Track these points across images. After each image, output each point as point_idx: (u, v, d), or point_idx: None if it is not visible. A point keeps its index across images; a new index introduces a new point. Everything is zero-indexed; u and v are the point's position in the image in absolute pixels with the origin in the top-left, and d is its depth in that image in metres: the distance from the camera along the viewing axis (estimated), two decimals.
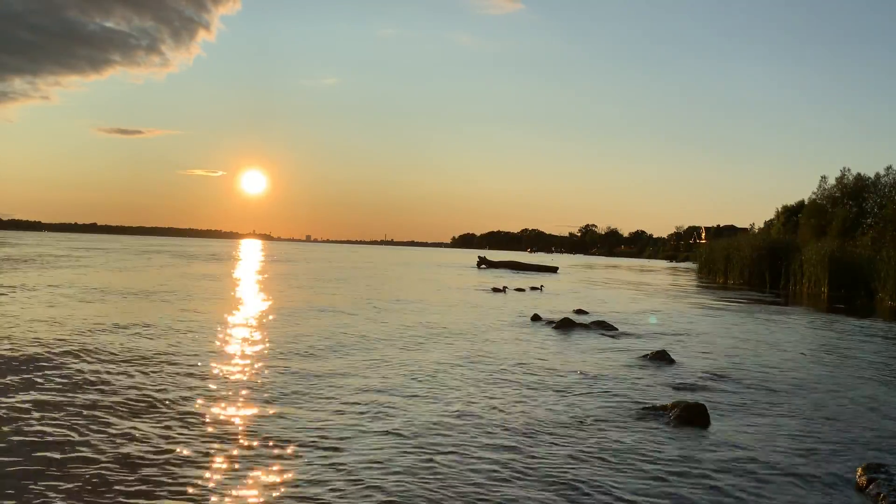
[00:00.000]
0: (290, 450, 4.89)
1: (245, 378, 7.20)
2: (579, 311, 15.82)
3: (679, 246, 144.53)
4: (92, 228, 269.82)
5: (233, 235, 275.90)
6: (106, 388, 6.47)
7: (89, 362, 7.60)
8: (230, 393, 6.50)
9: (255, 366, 7.86)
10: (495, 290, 22.45)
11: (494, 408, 6.31)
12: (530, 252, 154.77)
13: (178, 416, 5.61)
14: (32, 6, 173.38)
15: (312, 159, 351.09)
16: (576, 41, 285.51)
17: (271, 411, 5.88)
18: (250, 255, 59.02)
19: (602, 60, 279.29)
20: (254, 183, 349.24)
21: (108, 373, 7.13)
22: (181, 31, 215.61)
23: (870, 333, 13.89)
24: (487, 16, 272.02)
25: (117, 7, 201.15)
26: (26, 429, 5.09)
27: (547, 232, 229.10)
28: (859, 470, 4.81)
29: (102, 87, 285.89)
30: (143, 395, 6.27)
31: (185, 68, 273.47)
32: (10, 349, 8.08)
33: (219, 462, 4.61)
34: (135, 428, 5.24)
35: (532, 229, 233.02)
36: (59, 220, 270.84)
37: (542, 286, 24.96)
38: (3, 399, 5.87)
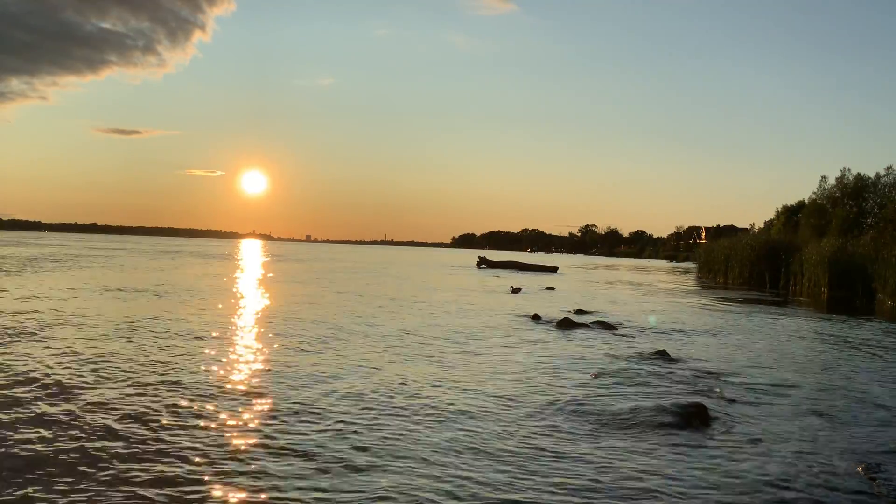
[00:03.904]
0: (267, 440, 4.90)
1: (252, 370, 7.23)
2: (579, 311, 15.82)
3: (679, 246, 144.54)
4: (92, 228, 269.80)
5: (233, 235, 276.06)
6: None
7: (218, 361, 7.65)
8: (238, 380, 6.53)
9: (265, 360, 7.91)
10: (508, 292, 22.34)
11: (490, 408, 6.32)
12: (530, 252, 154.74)
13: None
14: (29, 7, 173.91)
15: (311, 159, 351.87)
16: (570, 41, 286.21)
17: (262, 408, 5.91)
18: (259, 255, 60.24)
19: (597, 60, 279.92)
20: (253, 183, 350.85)
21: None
22: (177, 31, 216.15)
23: (870, 333, 13.88)
24: (481, 16, 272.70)
25: (113, 8, 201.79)
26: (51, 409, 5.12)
27: (547, 232, 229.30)
28: (860, 469, 4.81)
29: (100, 87, 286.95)
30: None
31: (182, 69, 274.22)
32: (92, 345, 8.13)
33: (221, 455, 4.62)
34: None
35: (532, 229, 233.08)
36: (58, 220, 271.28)
37: (550, 288, 24.90)
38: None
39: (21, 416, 5.44)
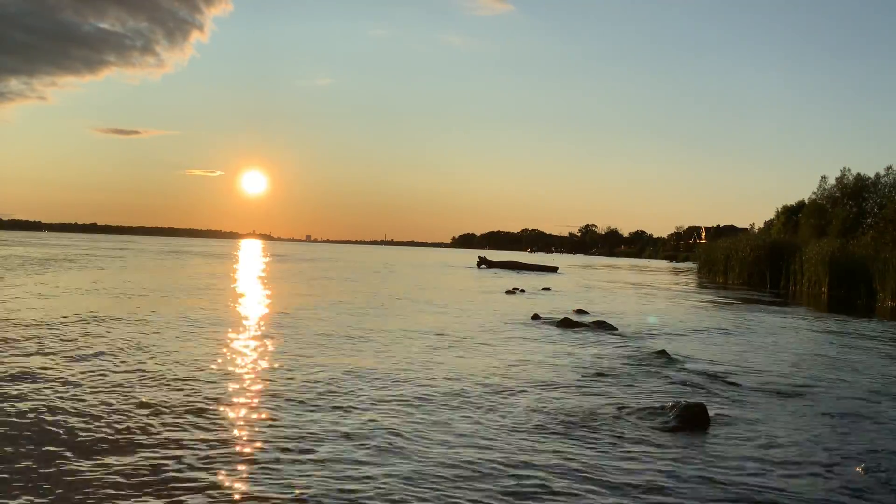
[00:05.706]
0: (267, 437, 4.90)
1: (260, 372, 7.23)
2: (579, 311, 15.81)
3: (679, 246, 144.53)
4: (92, 228, 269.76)
5: (233, 235, 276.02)
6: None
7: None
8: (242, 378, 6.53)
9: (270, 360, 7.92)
10: (508, 292, 22.22)
11: (489, 408, 6.31)
12: (530, 252, 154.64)
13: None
14: (27, 7, 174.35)
15: (311, 159, 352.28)
16: (567, 41, 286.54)
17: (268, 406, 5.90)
18: (261, 255, 60.75)
19: (596, 60, 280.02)
20: (253, 183, 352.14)
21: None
22: (175, 31, 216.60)
23: (870, 333, 13.88)
24: (478, 17, 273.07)
25: (111, 8, 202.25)
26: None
27: (547, 232, 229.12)
28: (859, 470, 4.80)
29: (98, 87, 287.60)
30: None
31: (180, 69, 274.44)
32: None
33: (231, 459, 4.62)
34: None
35: (532, 229, 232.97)
36: (58, 220, 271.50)
37: (550, 288, 24.86)
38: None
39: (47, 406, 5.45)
